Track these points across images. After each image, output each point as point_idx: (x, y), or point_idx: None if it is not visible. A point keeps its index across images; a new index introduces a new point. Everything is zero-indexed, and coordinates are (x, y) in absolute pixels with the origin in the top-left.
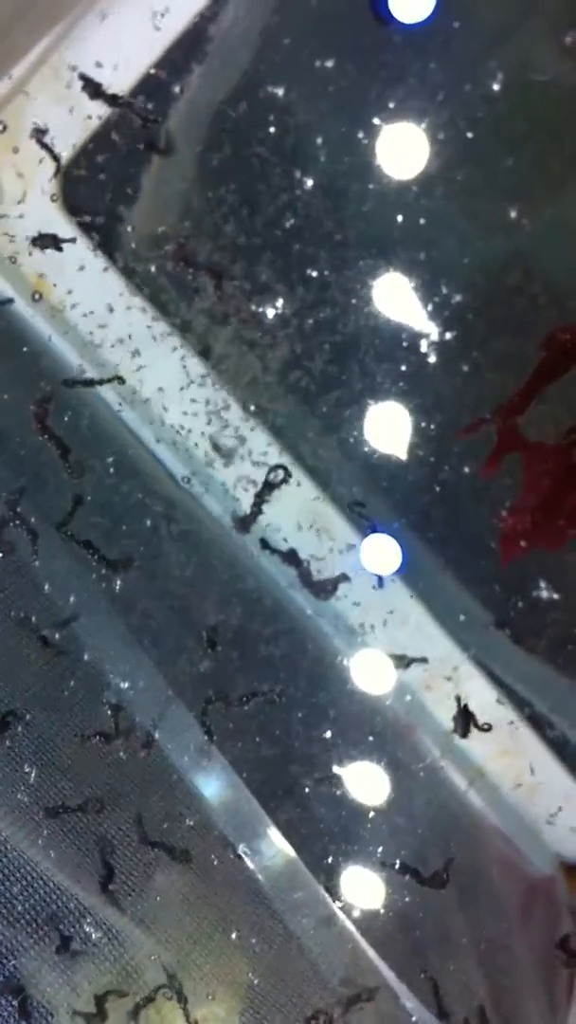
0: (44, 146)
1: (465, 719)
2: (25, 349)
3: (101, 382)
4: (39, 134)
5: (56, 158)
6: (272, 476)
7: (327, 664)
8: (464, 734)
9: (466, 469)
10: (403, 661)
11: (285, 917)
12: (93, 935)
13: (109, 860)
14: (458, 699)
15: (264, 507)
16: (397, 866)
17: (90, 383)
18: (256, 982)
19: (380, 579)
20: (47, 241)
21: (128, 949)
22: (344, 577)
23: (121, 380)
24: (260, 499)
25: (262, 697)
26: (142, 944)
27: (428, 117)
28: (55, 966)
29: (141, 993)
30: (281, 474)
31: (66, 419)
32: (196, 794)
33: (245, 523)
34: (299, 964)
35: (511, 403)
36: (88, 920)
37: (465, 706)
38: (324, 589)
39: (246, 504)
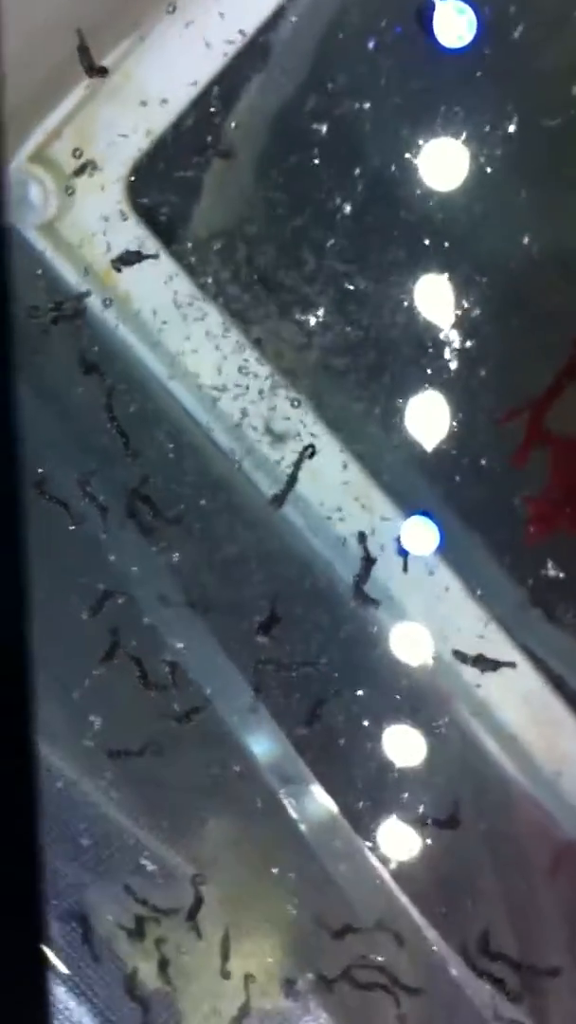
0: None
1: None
2: (96, 348)
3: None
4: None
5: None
6: (305, 453)
7: (366, 634)
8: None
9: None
10: (469, 659)
11: (324, 862)
12: (148, 867)
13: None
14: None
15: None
16: (429, 820)
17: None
18: (297, 920)
19: (405, 560)
20: (132, 257)
21: (179, 882)
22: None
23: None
24: (294, 476)
25: (310, 667)
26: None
27: (470, 131)
28: (115, 897)
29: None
30: (310, 450)
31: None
32: (244, 745)
33: (279, 499)
34: (336, 906)
35: (541, 398)
36: (145, 854)
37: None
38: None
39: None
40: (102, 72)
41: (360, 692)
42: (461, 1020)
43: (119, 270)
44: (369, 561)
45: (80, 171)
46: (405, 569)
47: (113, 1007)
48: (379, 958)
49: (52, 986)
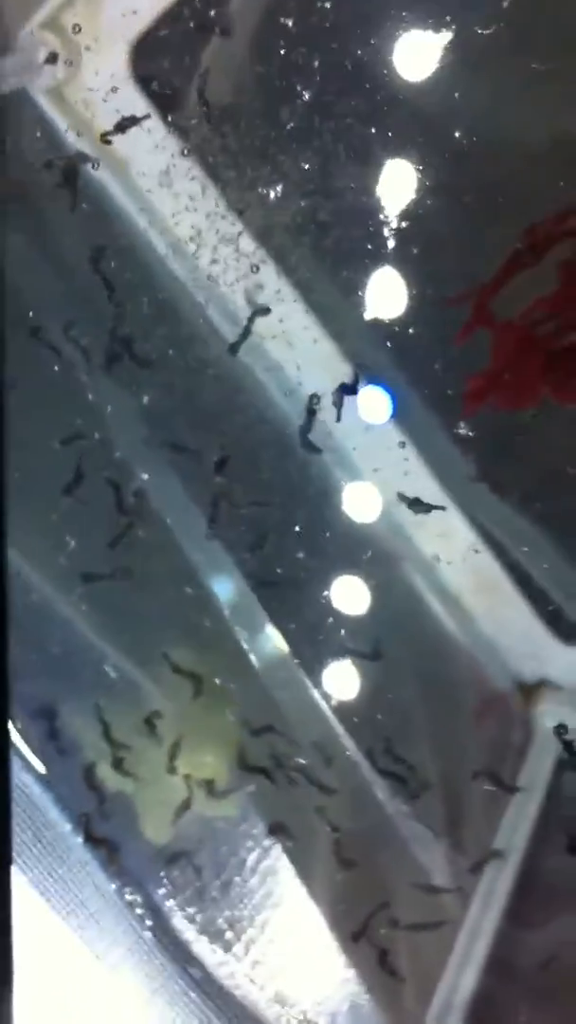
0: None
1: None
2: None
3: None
4: None
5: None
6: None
7: (325, 491)
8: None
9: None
10: (419, 505)
11: (270, 690)
12: (111, 675)
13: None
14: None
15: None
16: (366, 654)
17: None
18: (238, 734)
19: (339, 410)
20: (128, 122)
21: (140, 690)
22: None
23: None
24: (247, 328)
25: (259, 507)
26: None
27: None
28: (80, 701)
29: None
30: (266, 308)
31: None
32: (201, 577)
33: (234, 348)
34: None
35: (488, 283)
36: (109, 663)
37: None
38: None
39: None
40: None
41: (308, 536)
42: (368, 814)
43: (116, 134)
44: (312, 412)
45: (87, 40)
46: (338, 419)
47: (73, 795)
48: (303, 760)
49: (21, 773)
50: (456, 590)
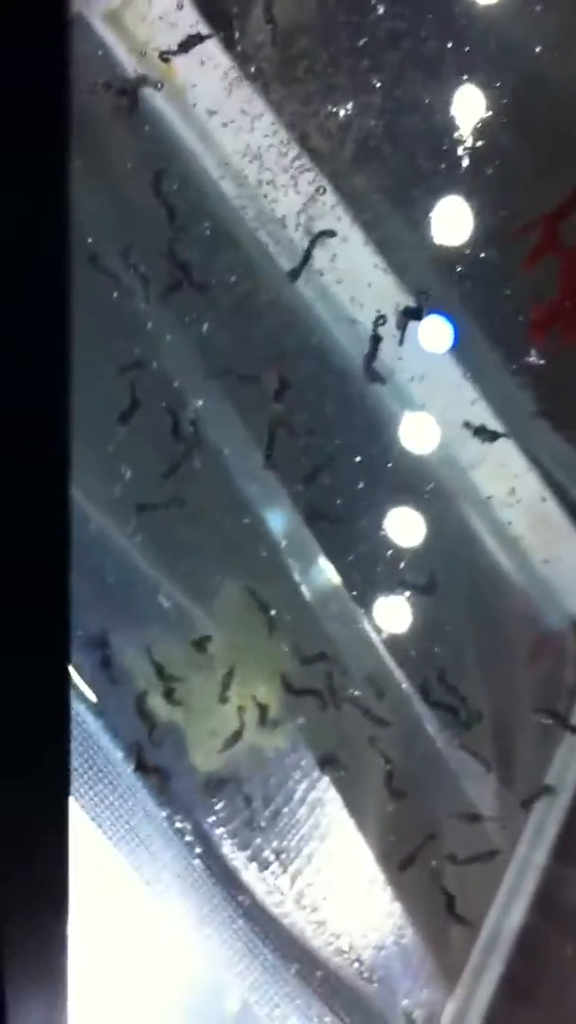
0: None
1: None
2: (147, 128)
3: None
4: None
5: None
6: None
7: (384, 423)
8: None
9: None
10: (484, 433)
11: (323, 623)
12: (165, 604)
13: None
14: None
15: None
16: (420, 587)
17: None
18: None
19: (403, 333)
20: (192, 42)
21: (192, 618)
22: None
23: None
24: (308, 252)
25: (323, 438)
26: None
27: None
28: (134, 630)
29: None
30: (329, 233)
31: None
32: (256, 509)
33: (295, 273)
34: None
35: (556, 209)
36: (163, 592)
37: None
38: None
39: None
40: None
41: (365, 467)
42: (420, 746)
43: (179, 54)
44: (377, 339)
45: None
46: (401, 342)
47: (125, 724)
48: (356, 692)
49: (74, 703)
50: (513, 527)
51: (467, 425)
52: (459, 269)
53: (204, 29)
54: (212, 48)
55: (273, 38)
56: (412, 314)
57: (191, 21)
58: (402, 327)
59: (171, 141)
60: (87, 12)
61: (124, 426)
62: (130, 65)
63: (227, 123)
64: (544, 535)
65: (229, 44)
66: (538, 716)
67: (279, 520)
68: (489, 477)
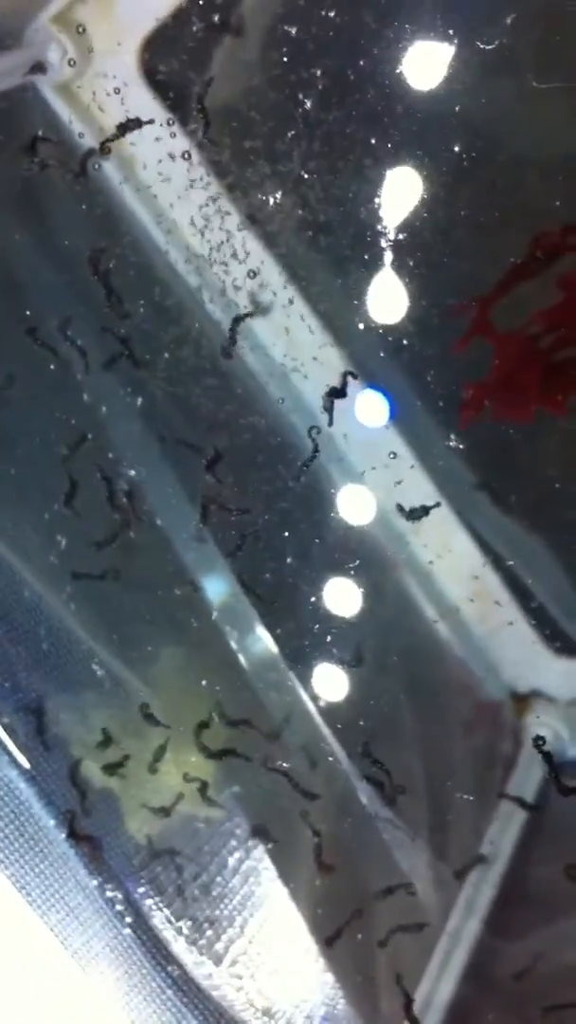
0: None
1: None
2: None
3: None
4: None
5: None
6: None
7: (322, 494)
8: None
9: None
10: (414, 514)
11: (258, 691)
12: (99, 673)
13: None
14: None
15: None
16: (353, 662)
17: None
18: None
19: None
20: (134, 124)
21: (125, 689)
22: None
23: None
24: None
25: (256, 509)
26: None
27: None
28: (68, 697)
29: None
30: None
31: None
32: (193, 576)
33: (226, 351)
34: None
35: (489, 293)
36: (96, 661)
37: None
38: None
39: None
40: None
41: (300, 538)
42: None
43: (123, 134)
44: (315, 452)
45: (98, 37)
46: (330, 423)
47: (58, 790)
48: (285, 764)
49: (6, 769)
50: (452, 599)
51: (400, 508)
52: (394, 346)
53: (149, 109)
54: (158, 127)
55: (206, 126)
56: (336, 394)
57: (138, 100)
58: (329, 408)
59: (116, 211)
60: (39, 82)
61: (63, 499)
62: (78, 136)
63: (175, 196)
64: (482, 605)
65: (183, 119)
66: (467, 788)
67: (216, 588)
68: (427, 548)
